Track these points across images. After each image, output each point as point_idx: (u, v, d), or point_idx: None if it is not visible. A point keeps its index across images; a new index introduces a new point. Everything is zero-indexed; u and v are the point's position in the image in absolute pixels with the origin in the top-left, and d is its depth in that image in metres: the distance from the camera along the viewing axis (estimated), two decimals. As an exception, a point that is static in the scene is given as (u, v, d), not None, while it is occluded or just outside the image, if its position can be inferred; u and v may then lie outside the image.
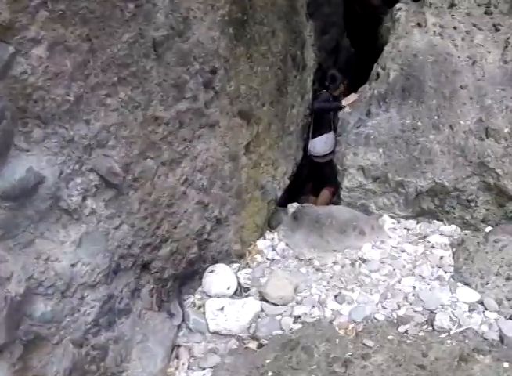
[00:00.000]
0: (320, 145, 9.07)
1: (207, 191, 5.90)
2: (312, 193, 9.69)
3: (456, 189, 7.47)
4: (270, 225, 7.49)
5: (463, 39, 8.30)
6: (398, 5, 8.93)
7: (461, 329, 5.63)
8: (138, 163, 4.91)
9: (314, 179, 9.92)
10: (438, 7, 8.77)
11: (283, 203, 8.55)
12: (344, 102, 8.69)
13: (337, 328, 5.74)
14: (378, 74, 8.31)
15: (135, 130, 4.81)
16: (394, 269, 6.55)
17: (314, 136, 9.32)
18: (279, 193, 7.68)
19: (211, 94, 5.70)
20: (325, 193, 9.28)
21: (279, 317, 5.92)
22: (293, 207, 7.94)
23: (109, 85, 4.48)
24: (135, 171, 4.90)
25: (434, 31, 8.38)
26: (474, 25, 8.50)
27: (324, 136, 9.08)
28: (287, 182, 7.86)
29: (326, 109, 9.14)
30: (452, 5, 8.72)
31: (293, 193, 10.09)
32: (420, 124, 7.61)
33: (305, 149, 9.24)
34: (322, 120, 9.06)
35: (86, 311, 4.32)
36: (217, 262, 6.42)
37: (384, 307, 5.99)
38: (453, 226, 7.52)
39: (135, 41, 4.67)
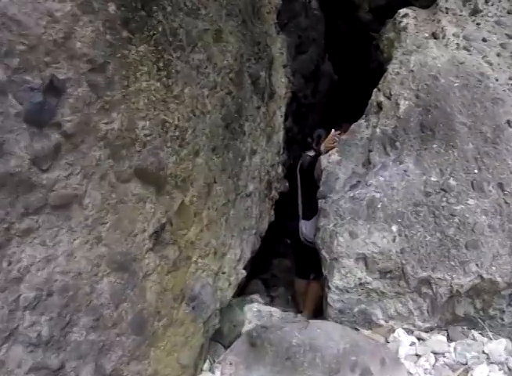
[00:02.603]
0: (312, 229, 5.34)
1: (49, 341, 2.52)
2: (300, 274, 6.19)
3: (509, 284, 4.19)
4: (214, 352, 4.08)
5: (498, 55, 5.16)
6: (402, 11, 5.73)
7: None
8: None
9: (301, 260, 6.19)
10: (456, 14, 5.60)
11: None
12: (324, 147, 5.34)
13: None
14: (380, 105, 5.05)
15: None
16: None
17: (305, 217, 5.82)
18: (230, 294, 4.33)
19: (52, 139, 2.35)
20: (314, 287, 5.66)
21: None
22: (252, 311, 4.59)
23: None
24: None
25: (458, 44, 5.24)
26: (510, 37, 5.35)
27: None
28: (243, 273, 4.50)
29: (308, 167, 5.73)
30: (475, 12, 5.57)
31: (264, 255, 6.72)
32: (453, 182, 4.32)
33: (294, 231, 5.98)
34: (313, 193, 5.24)
35: None
36: None
37: None
38: (503, 341, 4.21)
39: None
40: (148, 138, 2.86)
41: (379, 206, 4.19)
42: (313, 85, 7.30)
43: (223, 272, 4.21)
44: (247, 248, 4.70)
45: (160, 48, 2.97)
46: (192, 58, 3.40)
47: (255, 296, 5.85)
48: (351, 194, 4.40)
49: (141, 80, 2.81)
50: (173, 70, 3.10)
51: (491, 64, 5.08)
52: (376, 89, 5.24)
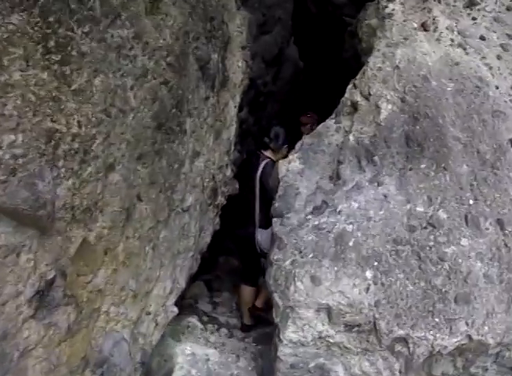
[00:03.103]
0: (268, 239, 4.48)
1: None
2: (248, 280, 5.32)
3: (500, 344, 3.35)
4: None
5: (498, 58, 4.26)
6: (387, -7, 4.72)
7: None
8: None
9: (251, 266, 5.31)
10: (449, 4, 4.65)
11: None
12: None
13: None
14: (355, 105, 4.08)
15: None
16: None
17: (262, 226, 4.92)
18: (157, 337, 3.38)
19: None
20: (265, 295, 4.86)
21: None
22: (184, 354, 3.65)
23: None
24: None
25: (452, 40, 4.33)
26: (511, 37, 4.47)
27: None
28: (174, 311, 3.51)
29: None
30: (471, 4, 4.63)
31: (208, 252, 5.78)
32: (443, 214, 3.40)
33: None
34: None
35: None
36: None
37: None
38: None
39: None
40: (20, 160, 1.79)
41: (351, 244, 3.21)
42: (275, 71, 6.25)
43: (148, 313, 3.22)
44: (182, 277, 3.71)
45: (51, 19, 1.89)
46: (110, 35, 2.34)
47: (193, 320, 4.96)
48: (316, 222, 3.39)
49: (11, 69, 1.74)
50: (74, 53, 2.03)
51: (490, 68, 4.18)
52: (351, 85, 4.24)
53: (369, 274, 3.15)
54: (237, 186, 5.15)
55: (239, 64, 4.75)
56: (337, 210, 3.41)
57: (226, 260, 7.10)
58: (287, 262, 3.27)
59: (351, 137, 3.90)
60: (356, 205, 3.40)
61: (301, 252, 3.27)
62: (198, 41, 3.60)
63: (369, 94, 4.01)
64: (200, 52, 3.64)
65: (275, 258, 3.37)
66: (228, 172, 4.71)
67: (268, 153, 5.05)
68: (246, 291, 5.33)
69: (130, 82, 2.56)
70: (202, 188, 3.96)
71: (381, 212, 3.37)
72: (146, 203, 2.98)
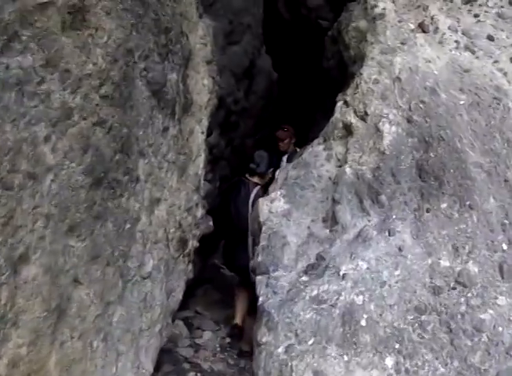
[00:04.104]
0: None
1: None
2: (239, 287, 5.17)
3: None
4: None
5: (512, 60, 3.55)
6: (375, -10, 3.96)
7: None
8: None
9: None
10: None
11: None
12: None
13: None
14: (349, 128, 3.30)
15: None
16: None
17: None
18: None
19: None
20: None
21: None
22: None
23: None
24: None
25: (457, 43, 3.60)
26: (519, 35, 3.78)
27: None
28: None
29: None
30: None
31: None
32: (473, 268, 2.63)
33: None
34: None
35: None
36: None
37: None
38: None
39: None
40: None
41: (363, 323, 2.41)
42: (246, 85, 5.47)
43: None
44: (148, 359, 2.91)
45: None
46: (4, 67, 1.52)
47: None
48: (314, 292, 2.58)
49: None
50: None
51: (505, 74, 3.45)
52: (341, 103, 3.48)
53: (389, 361, 2.36)
54: (211, 223, 4.41)
55: (205, 82, 3.98)
56: (340, 273, 2.61)
57: (205, 292, 6.37)
58: (280, 349, 2.45)
59: (347, 169, 3.12)
60: (365, 266, 2.60)
61: (297, 335, 2.46)
62: (148, 60, 2.80)
63: (366, 113, 3.24)
64: (151, 73, 2.83)
65: (263, 340, 2.55)
66: (199, 212, 3.91)
67: (256, 180, 4.91)
68: (243, 295, 5.06)
69: (43, 131, 1.74)
70: (166, 242, 3.16)
71: (397, 272, 2.58)
72: (87, 286, 2.16)
